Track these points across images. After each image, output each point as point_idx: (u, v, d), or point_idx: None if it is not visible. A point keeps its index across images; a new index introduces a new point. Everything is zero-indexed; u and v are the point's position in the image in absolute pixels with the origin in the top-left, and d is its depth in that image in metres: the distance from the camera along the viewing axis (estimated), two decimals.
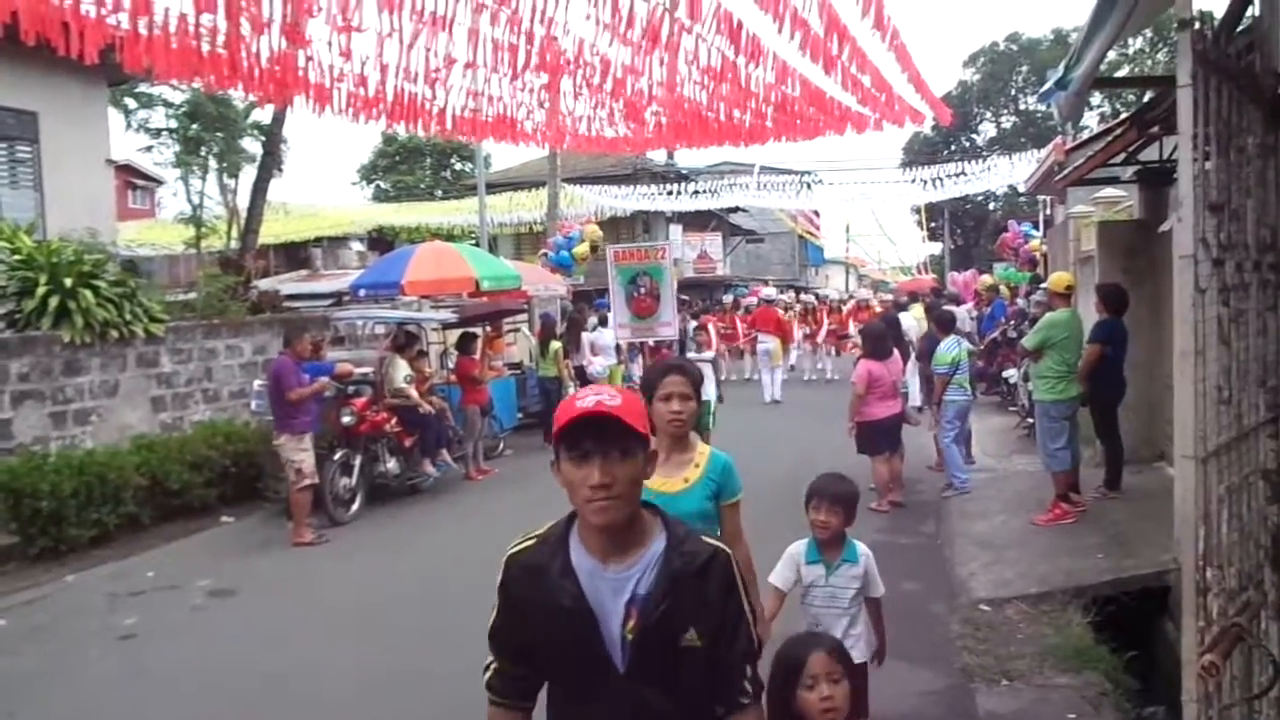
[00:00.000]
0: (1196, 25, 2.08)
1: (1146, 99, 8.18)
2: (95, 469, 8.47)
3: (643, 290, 11.45)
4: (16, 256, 10.13)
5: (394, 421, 10.00)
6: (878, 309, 21.30)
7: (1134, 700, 5.24)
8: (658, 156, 27.59)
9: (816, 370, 21.44)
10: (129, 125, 18.19)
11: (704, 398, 10.64)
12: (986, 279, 20.11)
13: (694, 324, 21.01)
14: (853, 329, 19.75)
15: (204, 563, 8.04)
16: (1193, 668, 2.10)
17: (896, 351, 9.32)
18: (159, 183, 32.35)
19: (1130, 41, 41.50)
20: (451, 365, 12.10)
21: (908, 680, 5.14)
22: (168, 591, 7.28)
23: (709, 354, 11.23)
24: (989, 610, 6.08)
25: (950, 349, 9.29)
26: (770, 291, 22.52)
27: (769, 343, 18.09)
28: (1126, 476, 8.29)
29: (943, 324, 9.79)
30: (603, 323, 16.53)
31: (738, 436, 12.04)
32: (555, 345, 13.71)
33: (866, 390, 8.73)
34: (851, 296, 25.68)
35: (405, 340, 10.73)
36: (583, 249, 22.73)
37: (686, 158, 30.54)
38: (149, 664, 5.81)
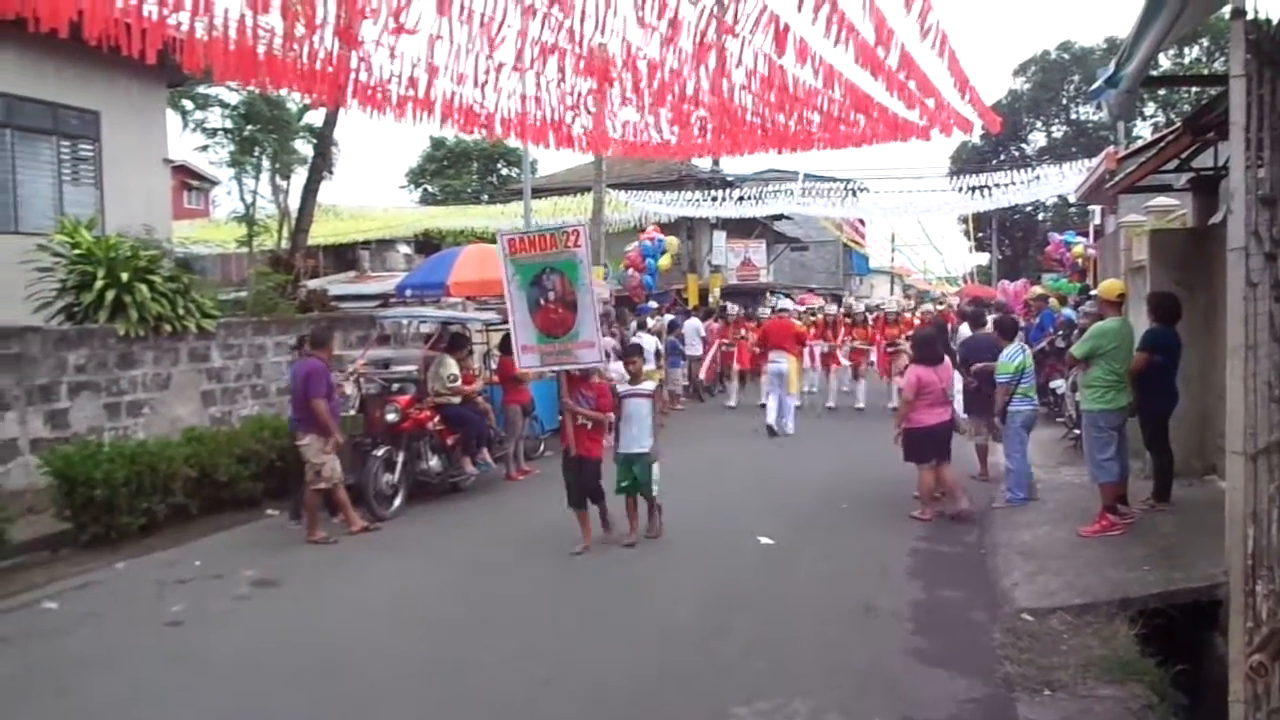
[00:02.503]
0: (1250, 15, 2.06)
1: (1201, 104, 8.05)
2: (146, 459, 8.65)
3: (550, 295, 7.97)
4: (76, 251, 10.43)
5: (437, 420, 10.11)
6: (916, 323, 17.73)
7: (1181, 715, 5.13)
8: (703, 163, 27.62)
9: (840, 393, 17.76)
10: (186, 126, 18.58)
11: (638, 449, 8.13)
12: (1036, 289, 19.84)
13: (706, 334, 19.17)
14: (875, 346, 17.42)
15: (249, 554, 8.18)
16: (1240, 668, 2.06)
17: (946, 358, 9.19)
18: (214, 183, 33.08)
19: (1186, 51, 40.82)
20: (495, 365, 12.21)
21: (948, 688, 5.10)
22: (214, 580, 7.41)
23: (647, 385, 8.55)
24: (1032, 620, 5.99)
25: (1014, 356, 9.03)
26: (786, 301, 19.25)
27: (782, 362, 14.51)
28: (1176, 489, 8.13)
29: (1005, 330, 9.54)
30: (641, 326, 16.59)
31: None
32: None
33: (916, 396, 8.65)
34: (878, 308, 19.94)
35: (454, 340, 10.84)
36: (665, 260, 22.69)
37: (732, 164, 30.36)
38: (195, 650, 5.92)
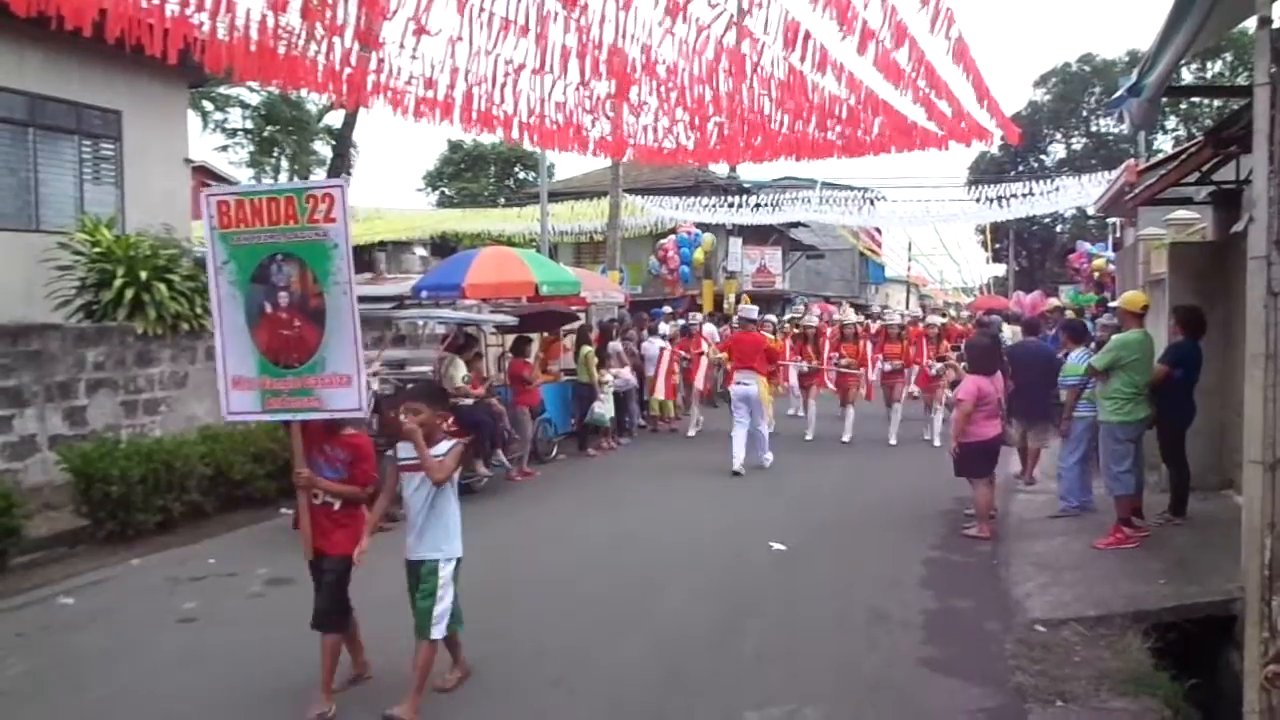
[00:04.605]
0: (1276, 24, 2.04)
1: (1224, 117, 8.01)
2: (163, 457, 8.70)
3: (282, 298, 4.76)
4: (97, 249, 10.52)
5: (450, 421, 10.12)
6: (922, 331, 15.32)
7: None
8: (720, 169, 27.64)
9: (827, 420, 14.81)
10: (206, 126, 18.77)
11: (425, 553, 5.38)
12: (1052, 301, 19.76)
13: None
14: (875, 369, 14.77)
15: (263, 552, 8.20)
16: (1255, 679, 2.04)
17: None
18: (233, 183, 33.28)
19: (1209, 65, 40.62)
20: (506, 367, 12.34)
21: (959, 697, 5.07)
22: (227, 578, 7.45)
23: (442, 447, 5.05)
24: (1044, 631, 5.95)
25: (1081, 360, 8.72)
26: (752, 309, 14.80)
27: (750, 384, 11.79)
28: (1193, 503, 8.07)
29: (1074, 334, 9.39)
30: (652, 332, 16.59)
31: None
32: (586, 350, 13.73)
33: (975, 408, 8.40)
34: (878, 317, 16.77)
35: (465, 342, 10.89)
36: (699, 254, 22.56)
37: (748, 171, 30.42)
38: (208, 646, 5.95)
